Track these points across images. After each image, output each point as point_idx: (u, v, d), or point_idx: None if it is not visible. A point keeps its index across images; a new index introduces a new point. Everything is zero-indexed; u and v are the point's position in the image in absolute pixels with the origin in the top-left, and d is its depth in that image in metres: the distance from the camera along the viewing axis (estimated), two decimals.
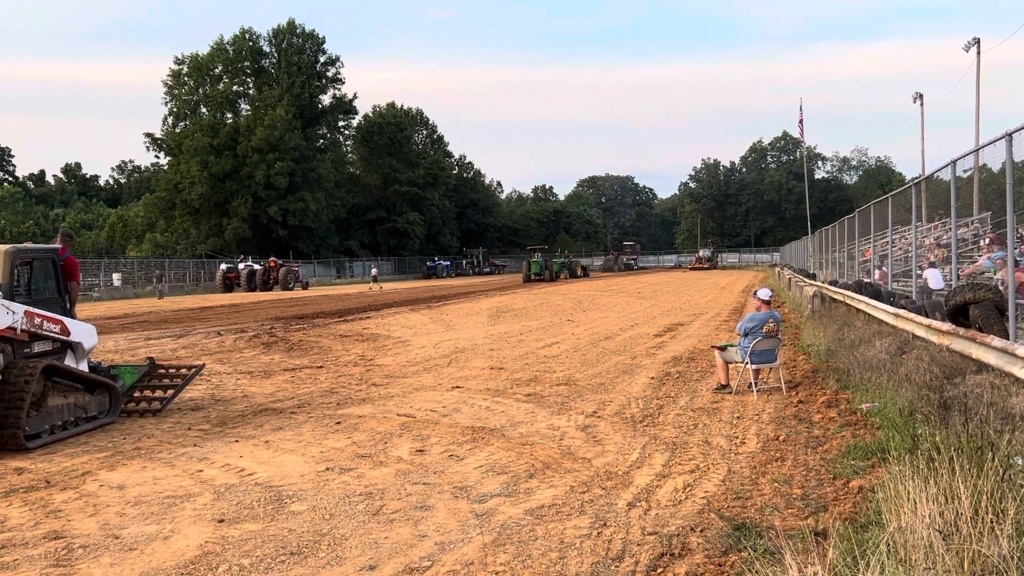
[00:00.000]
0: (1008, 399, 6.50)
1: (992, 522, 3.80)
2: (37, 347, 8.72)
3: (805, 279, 28.92)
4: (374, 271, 61.80)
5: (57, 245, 9.79)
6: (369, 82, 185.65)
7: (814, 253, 38.89)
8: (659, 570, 4.63)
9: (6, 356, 8.21)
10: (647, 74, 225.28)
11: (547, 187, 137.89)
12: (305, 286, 52.40)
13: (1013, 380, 6.98)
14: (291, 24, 77.88)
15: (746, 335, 10.39)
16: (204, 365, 11.75)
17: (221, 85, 76.43)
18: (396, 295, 38.97)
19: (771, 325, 10.36)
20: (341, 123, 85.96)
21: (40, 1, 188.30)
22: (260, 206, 69.17)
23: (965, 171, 13.29)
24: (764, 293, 10.95)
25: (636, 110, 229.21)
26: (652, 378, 11.96)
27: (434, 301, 32.92)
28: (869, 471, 6.11)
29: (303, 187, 70.97)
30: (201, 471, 7.11)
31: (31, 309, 8.53)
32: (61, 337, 9.01)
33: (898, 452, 5.87)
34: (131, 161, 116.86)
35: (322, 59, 79.79)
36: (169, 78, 75.34)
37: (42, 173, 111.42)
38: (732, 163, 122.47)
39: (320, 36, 79.33)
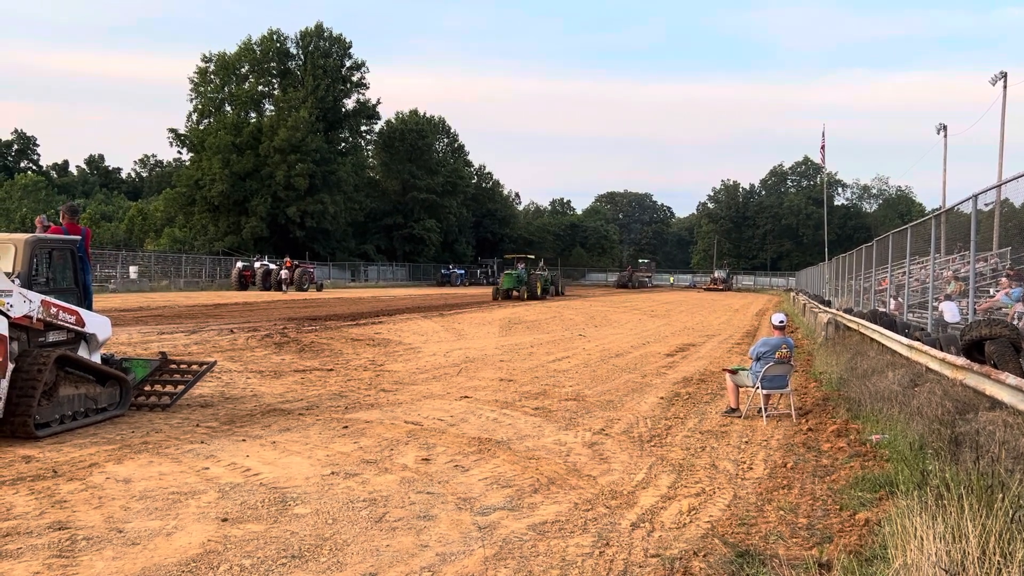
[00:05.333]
0: (1020, 438, 6.42)
1: (1000, 564, 3.75)
2: (52, 336, 8.79)
3: (820, 305, 28.76)
4: (283, 273, 48.75)
5: (77, 236, 9.87)
6: (393, 88, 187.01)
7: (830, 280, 38.68)
8: None
9: (21, 344, 8.27)
10: (672, 92, 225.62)
11: (565, 200, 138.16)
12: (319, 288, 52.58)
13: None
14: (319, 27, 78.35)
15: (758, 359, 10.35)
16: (215, 362, 11.80)
17: (247, 84, 76.87)
18: (401, 302, 38.98)
19: (784, 351, 10.31)
20: (363, 128, 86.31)
21: None
22: (279, 206, 69.50)
23: (986, 205, 13.17)
24: (778, 318, 10.91)
25: (658, 128, 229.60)
26: (661, 398, 11.92)
27: (447, 309, 32.95)
28: (876, 504, 6.06)
29: (322, 189, 71.27)
30: (207, 468, 7.14)
31: (48, 299, 8.60)
32: (76, 328, 9.07)
33: (907, 486, 5.82)
34: (153, 155, 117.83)
35: (348, 64, 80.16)
36: (195, 75, 75.83)
37: (65, 163, 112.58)
38: (752, 185, 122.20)
39: (347, 41, 79.75)
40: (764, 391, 10.22)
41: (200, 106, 76.04)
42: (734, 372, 10.75)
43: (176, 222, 71.63)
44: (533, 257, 54.31)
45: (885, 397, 9.60)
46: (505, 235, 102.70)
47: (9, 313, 7.94)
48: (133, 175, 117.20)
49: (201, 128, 73.67)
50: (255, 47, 76.83)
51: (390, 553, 5.14)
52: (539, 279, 48.47)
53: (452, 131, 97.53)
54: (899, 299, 18.80)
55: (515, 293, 45.18)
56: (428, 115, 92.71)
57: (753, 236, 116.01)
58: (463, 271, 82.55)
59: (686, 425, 9.84)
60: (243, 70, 77.29)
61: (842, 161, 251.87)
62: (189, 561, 4.91)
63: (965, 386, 8.63)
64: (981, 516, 4.17)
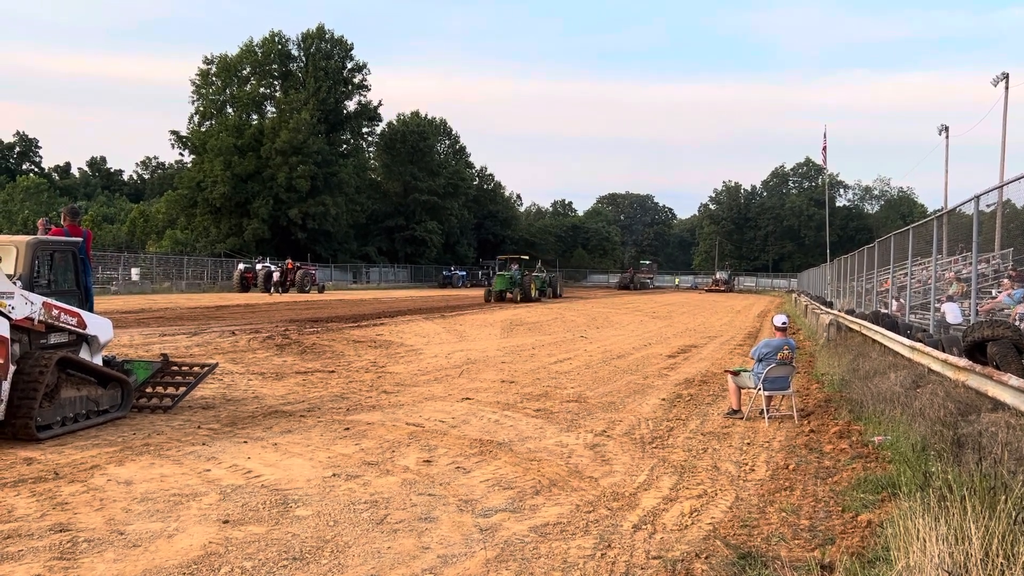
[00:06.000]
0: (1023, 439, 6.41)
1: (1003, 566, 3.74)
2: (53, 338, 8.79)
3: (822, 307, 28.73)
4: (275, 275, 48.19)
5: (78, 239, 9.86)
6: (394, 90, 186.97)
7: (832, 281, 38.67)
8: None
9: (22, 346, 8.27)
10: (673, 94, 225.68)
11: (566, 202, 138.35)
12: (321, 289, 52.62)
13: None
14: (320, 29, 78.43)
15: (760, 361, 10.34)
16: (217, 364, 11.80)
17: (248, 86, 76.98)
18: (406, 303, 38.97)
19: (786, 352, 10.30)
20: (365, 129, 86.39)
21: None
22: (281, 208, 69.56)
23: (988, 206, 13.16)
24: (779, 320, 10.91)
25: (660, 129, 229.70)
26: (663, 399, 11.90)
27: (448, 311, 32.97)
28: (879, 505, 6.05)
29: (324, 191, 71.33)
30: (208, 470, 7.13)
31: (49, 300, 8.60)
32: (77, 330, 9.08)
33: (909, 488, 5.81)
34: (155, 157, 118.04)
35: (349, 65, 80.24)
36: (197, 77, 75.97)
37: (67, 165, 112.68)
38: (753, 187, 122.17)
39: (348, 42, 79.86)
40: (766, 392, 10.21)
41: (202, 108, 76.16)
42: (736, 373, 10.74)
43: (178, 224, 71.67)
44: (527, 258, 51.04)
45: (887, 398, 9.58)
46: (507, 237, 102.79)
47: (11, 315, 7.94)
48: (135, 177, 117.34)
49: (203, 130, 73.75)
50: (256, 49, 76.94)
51: (391, 555, 5.13)
52: (534, 280, 46.88)
53: (453, 133, 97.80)
54: (901, 300, 18.78)
55: (508, 295, 43.23)
56: (429, 117, 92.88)
57: (755, 237, 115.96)
58: (464, 273, 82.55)
59: (688, 427, 9.83)
60: (245, 72, 77.42)
61: (843, 162, 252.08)
62: (190, 563, 4.90)
63: (967, 387, 8.62)
64: (984, 518, 4.16)
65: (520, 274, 45.34)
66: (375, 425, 9.38)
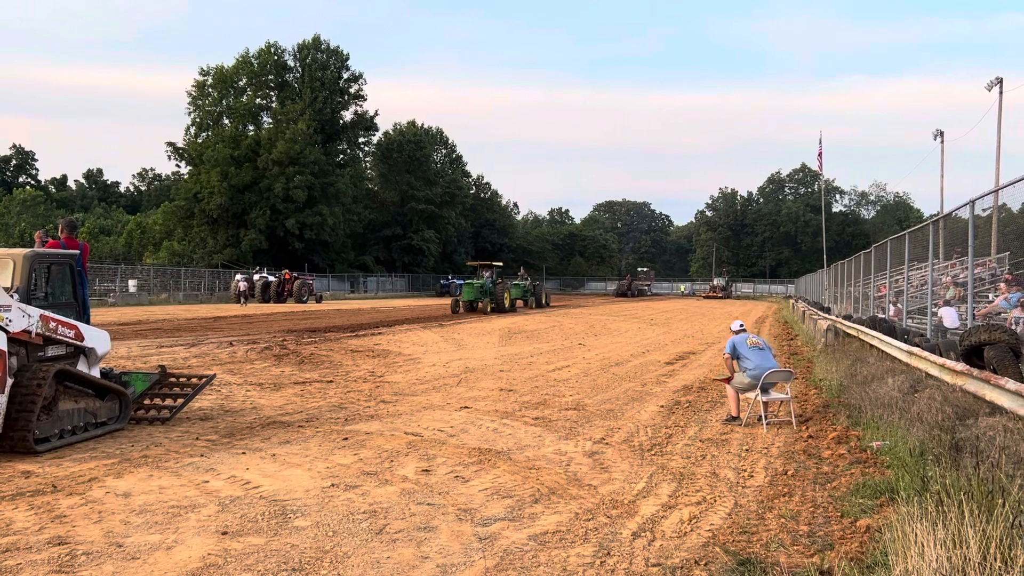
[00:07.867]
0: (1021, 443, 6.41)
1: (1000, 570, 3.75)
2: (51, 351, 8.78)
3: (819, 312, 28.76)
4: (243, 285, 47.62)
5: (76, 251, 9.87)
6: (391, 99, 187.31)
7: (829, 286, 38.70)
8: None
9: (20, 359, 8.27)
10: (670, 101, 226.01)
11: (563, 210, 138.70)
12: (319, 299, 52.61)
13: None
14: (316, 40, 78.64)
15: (737, 357, 10.63)
16: (215, 375, 11.78)
17: (244, 97, 77.13)
18: (403, 312, 38.94)
19: (754, 339, 10.82)
20: (361, 139, 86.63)
21: (70, 9, 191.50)
22: (277, 218, 69.64)
23: (984, 210, 13.18)
24: (736, 325, 11.52)
25: (656, 136, 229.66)
26: (661, 406, 11.91)
27: (446, 319, 32.98)
28: (877, 511, 6.05)
29: (321, 201, 71.41)
30: (207, 482, 7.12)
31: (47, 313, 8.60)
32: (75, 342, 9.07)
33: (907, 493, 5.81)
34: (152, 169, 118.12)
35: (345, 75, 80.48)
36: (193, 88, 76.11)
37: (64, 178, 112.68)
38: (750, 193, 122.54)
39: (344, 53, 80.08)
40: (764, 398, 10.24)
41: (198, 119, 76.26)
42: (728, 381, 10.79)
43: (175, 235, 71.70)
44: (501, 264, 46.92)
45: (885, 403, 9.59)
46: (504, 245, 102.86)
47: (8, 328, 7.94)
48: (132, 189, 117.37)
49: (199, 141, 73.89)
50: (252, 60, 77.13)
51: (391, 565, 5.13)
52: (509, 289, 42.94)
53: (450, 142, 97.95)
54: (898, 305, 18.80)
55: (479, 305, 38.95)
56: (426, 126, 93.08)
57: (752, 244, 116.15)
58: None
59: (686, 433, 9.83)
60: (241, 83, 77.57)
61: (839, 168, 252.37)
62: (189, 575, 4.90)
63: (965, 391, 8.63)
64: (981, 522, 4.17)
65: (492, 282, 40.87)
66: (374, 435, 9.38)
